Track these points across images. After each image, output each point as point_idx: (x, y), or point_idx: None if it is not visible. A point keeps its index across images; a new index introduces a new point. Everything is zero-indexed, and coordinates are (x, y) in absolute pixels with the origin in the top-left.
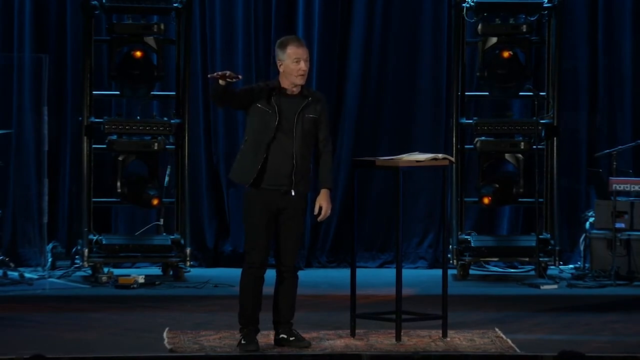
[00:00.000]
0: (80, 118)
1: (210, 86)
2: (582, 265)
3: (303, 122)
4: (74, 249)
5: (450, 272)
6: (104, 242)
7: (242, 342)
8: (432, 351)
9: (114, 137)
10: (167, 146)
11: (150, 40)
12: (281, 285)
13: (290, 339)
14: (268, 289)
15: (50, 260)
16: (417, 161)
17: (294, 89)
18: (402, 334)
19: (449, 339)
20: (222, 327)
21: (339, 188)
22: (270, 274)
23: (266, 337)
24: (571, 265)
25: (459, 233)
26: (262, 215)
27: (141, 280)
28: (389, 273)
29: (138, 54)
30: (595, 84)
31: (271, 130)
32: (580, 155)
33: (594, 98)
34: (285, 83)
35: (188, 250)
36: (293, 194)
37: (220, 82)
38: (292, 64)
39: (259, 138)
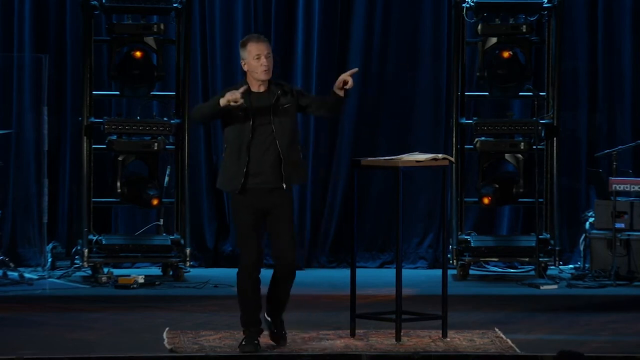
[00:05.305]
0: (80, 118)
1: (203, 106)
2: (582, 265)
3: (279, 114)
4: (74, 249)
5: (450, 272)
6: (104, 242)
7: (242, 343)
8: (432, 351)
9: (114, 137)
10: (167, 146)
11: (150, 40)
12: (281, 280)
13: (282, 332)
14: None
15: (50, 260)
16: (417, 161)
17: (261, 86)
18: (402, 334)
19: (449, 339)
20: (222, 327)
21: (338, 188)
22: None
23: (266, 337)
24: (571, 265)
25: (459, 233)
26: (250, 216)
27: (141, 280)
28: (389, 273)
29: (138, 54)
30: (595, 84)
31: (248, 131)
32: (580, 155)
33: (594, 98)
34: (252, 82)
35: (188, 251)
36: (285, 187)
37: (222, 102)
38: (254, 60)
39: (238, 142)
